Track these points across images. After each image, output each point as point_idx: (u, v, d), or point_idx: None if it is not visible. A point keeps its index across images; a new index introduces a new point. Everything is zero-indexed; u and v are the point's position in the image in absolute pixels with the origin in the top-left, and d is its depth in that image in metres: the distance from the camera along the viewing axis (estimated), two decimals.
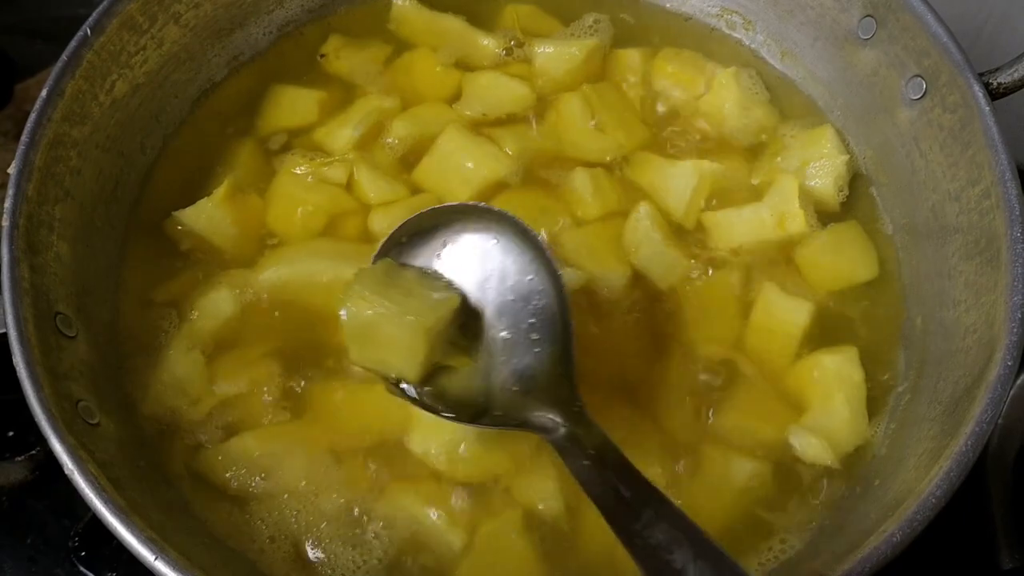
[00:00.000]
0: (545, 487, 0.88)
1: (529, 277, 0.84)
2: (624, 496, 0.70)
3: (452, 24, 1.16)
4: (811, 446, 0.89)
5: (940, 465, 0.75)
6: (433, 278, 0.86)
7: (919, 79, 0.97)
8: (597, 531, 0.85)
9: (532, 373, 0.83)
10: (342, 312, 0.80)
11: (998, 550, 1.02)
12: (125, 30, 0.97)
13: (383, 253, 0.87)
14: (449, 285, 0.86)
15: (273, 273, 0.97)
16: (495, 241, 0.86)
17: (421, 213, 0.86)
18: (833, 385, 0.93)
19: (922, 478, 0.76)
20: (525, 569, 0.85)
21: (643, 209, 1.02)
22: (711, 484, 0.89)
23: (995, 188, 0.87)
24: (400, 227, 0.87)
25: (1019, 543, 1.02)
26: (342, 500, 0.87)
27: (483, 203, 0.88)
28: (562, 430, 0.77)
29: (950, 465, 0.74)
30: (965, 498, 0.77)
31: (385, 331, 0.80)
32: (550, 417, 0.79)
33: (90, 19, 0.93)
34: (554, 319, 0.83)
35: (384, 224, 1.00)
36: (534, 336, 0.84)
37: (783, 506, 0.89)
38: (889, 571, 0.72)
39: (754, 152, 1.09)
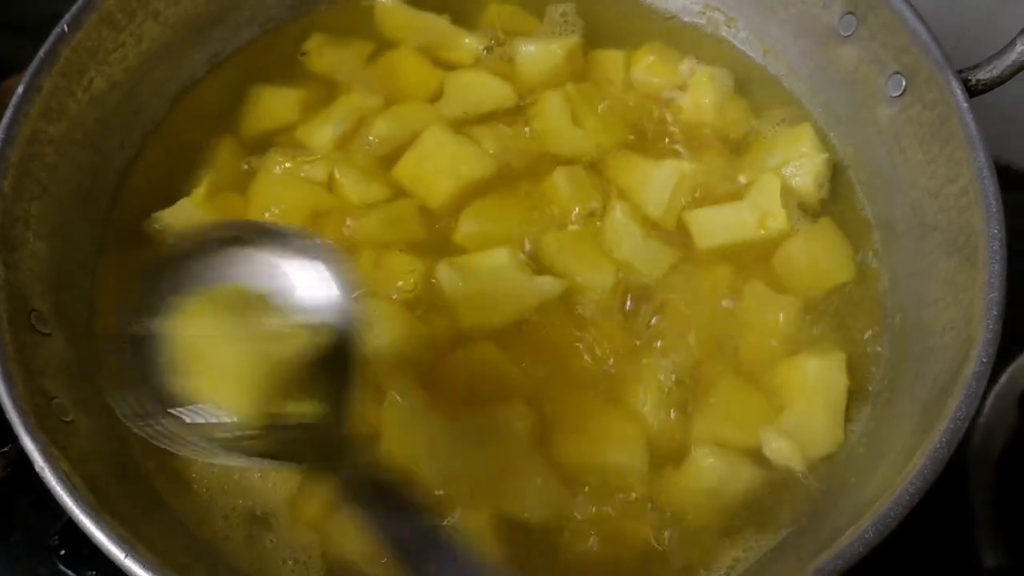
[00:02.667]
0: (530, 495, 0.87)
1: (313, 299, 0.76)
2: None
3: (435, 22, 1.16)
4: (781, 449, 0.89)
5: (915, 462, 0.75)
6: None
7: (899, 76, 0.97)
8: (580, 547, 0.86)
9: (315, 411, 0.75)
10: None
11: (980, 548, 1.01)
12: (103, 26, 0.96)
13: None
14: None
15: None
16: (277, 263, 0.77)
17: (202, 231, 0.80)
18: (815, 390, 0.92)
19: (895, 476, 0.76)
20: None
21: (619, 208, 1.02)
22: (690, 481, 0.89)
23: (973, 185, 0.87)
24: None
25: (1001, 541, 1.02)
26: (314, 494, 0.86)
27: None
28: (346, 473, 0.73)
29: (924, 462, 0.74)
30: (947, 496, 0.77)
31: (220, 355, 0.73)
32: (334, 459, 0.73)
33: (68, 15, 0.93)
34: (339, 351, 0.75)
35: (362, 226, 1.00)
36: (319, 368, 0.75)
37: (761, 505, 0.88)
38: (871, 569, 0.73)
39: (734, 150, 1.08)
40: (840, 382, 0.93)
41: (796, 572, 0.71)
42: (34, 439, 0.73)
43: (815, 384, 0.93)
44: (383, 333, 0.93)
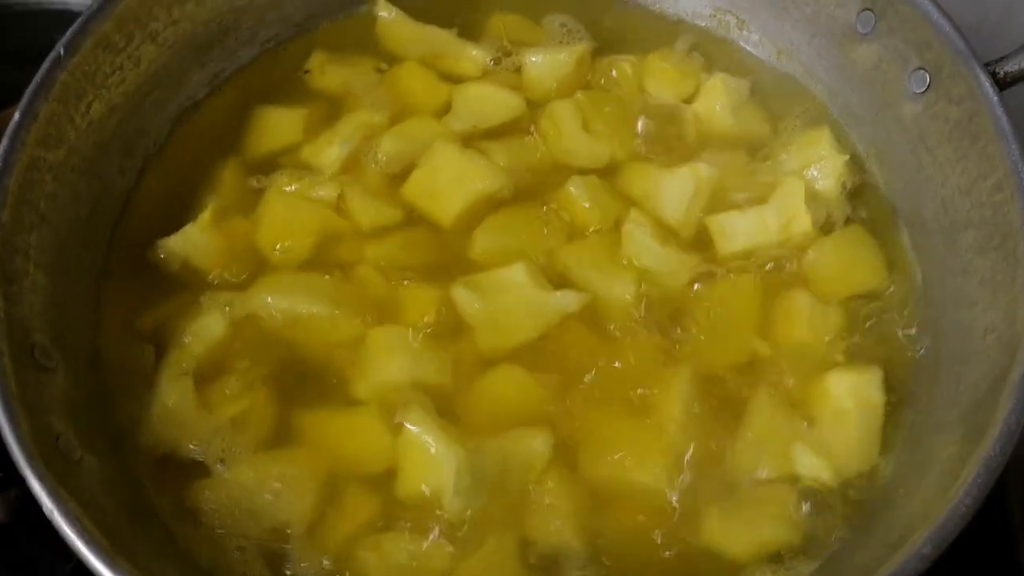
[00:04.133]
0: (556, 520, 0.84)
1: None
2: None
3: (439, 36, 1.13)
4: (813, 466, 0.86)
5: (968, 471, 0.71)
6: None
7: (922, 72, 0.95)
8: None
9: None
10: None
11: (1019, 547, 0.98)
12: (100, 50, 0.93)
13: None
14: None
15: (261, 303, 0.93)
16: None
17: None
18: (850, 407, 0.89)
19: (949, 486, 0.73)
20: None
21: (636, 216, 0.99)
22: (727, 502, 0.86)
23: (1008, 180, 0.84)
24: None
25: None
26: (337, 530, 0.83)
27: None
28: None
29: (978, 471, 0.71)
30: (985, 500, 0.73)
31: None
32: None
33: (63, 39, 0.90)
34: None
35: (375, 253, 0.97)
36: None
37: (802, 523, 0.85)
38: None
39: (752, 155, 1.06)
40: (876, 398, 0.89)
41: None
42: (41, 480, 0.70)
43: (850, 401, 0.89)
44: (400, 364, 0.90)
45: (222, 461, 0.85)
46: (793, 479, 0.87)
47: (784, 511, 0.85)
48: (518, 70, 1.11)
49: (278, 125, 1.07)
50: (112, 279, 0.96)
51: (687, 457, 0.87)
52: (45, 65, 0.89)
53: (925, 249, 0.97)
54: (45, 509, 0.69)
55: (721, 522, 0.85)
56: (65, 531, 0.68)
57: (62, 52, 0.90)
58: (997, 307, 0.83)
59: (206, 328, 0.92)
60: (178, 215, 0.98)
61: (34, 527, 0.80)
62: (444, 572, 0.81)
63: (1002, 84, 0.89)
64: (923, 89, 0.95)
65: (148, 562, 0.71)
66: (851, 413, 0.89)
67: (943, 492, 0.73)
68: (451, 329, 0.93)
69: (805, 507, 0.86)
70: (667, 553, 0.84)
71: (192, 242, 0.96)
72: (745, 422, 0.89)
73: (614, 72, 1.12)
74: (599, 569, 0.83)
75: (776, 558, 0.84)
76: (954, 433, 0.80)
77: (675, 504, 0.86)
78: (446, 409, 0.88)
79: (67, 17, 0.92)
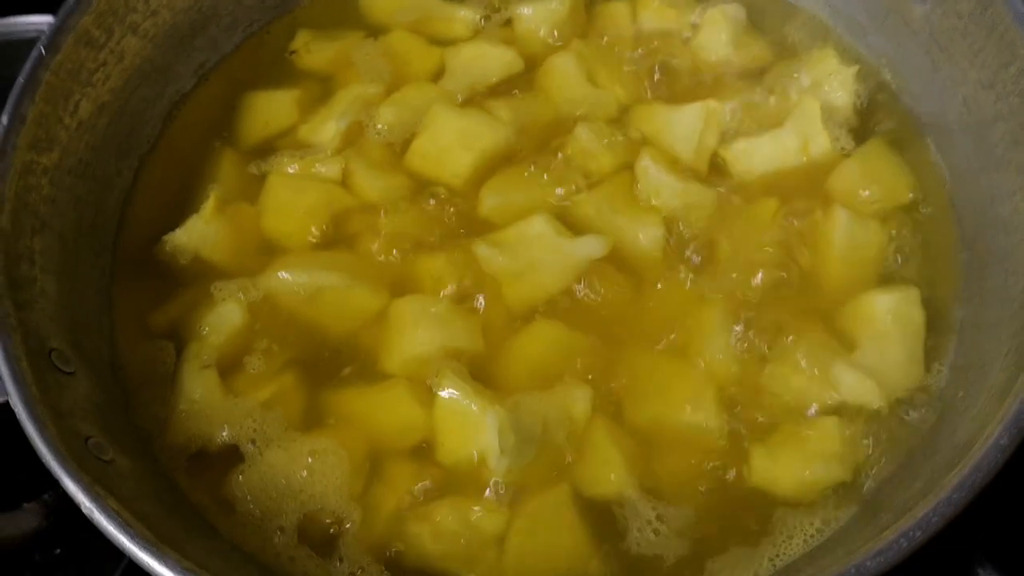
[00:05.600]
0: (607, 474, 0.81)
1: None
2: None
3: (423, 1, 1.11)
4: (857, 387, 0.83)
5: None
6: None
7: None
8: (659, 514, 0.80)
9: None
10: None
11: None
12: (81, 46, 0.91)
13: None
14: None
15: (278, 282, 0.91)
16: None
17: None
18: (890, 327, 0.86)
19: (1015, 379, 0.70)
20: (574, 548, 0.79)
21: (647, 155, 0.97)
22: (773, 438, 0.83)
23: None
24: None
25: None
26: (383, 505, 0.81)
27: None
28: None
29: None
30: None
31: None
32: None
33: (43, 37, 0.87)
34: None
35: (393, 224, 0.94)
36: None
37: (852, 456, 0.82)
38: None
39: (760, 82, 1.03)
40: (916, 316, 0.86)
41: (934, 485, 0.65)
42: (76, 480, 0.67)
43: (890, 321, 0.86)
44: (428, 333, 0.87)
45: (253, 442, 0.83)
46: (840, 408, 0.84)
47: (833, 445, 0.82)
48: (510, 24, 1.09)
49: (271, 109, 1.04)
50: (122, 280, 0.93)
51: (730, 394, 0.85)
52: (28, 65, 0.86)
53: (952, 152, 0.94)
54: (84, 509, 0.66)
55: (767, 461, 0.82)
56: (108, 528, 0.66)
57: (43, 51, 0.87)
58: None
59: (223, 317, 0.89)
60: (181, 210, 0.96)
61: (72, 553, 0.78)
62: (499, 533, 0.79)
63: None
64: None
65: (194, 551, 0.68)
66: (893, 334, 0.86)
67: (1008, 388, 0.70)
68: (476, 292, 0.90)
69: (853, 437, 0.83)
70: (719, 494, 0.82)
71: (199, 234, 0.93)
72: (785, 353, 0.86)
73: (609, 16, 1.09)
74: (655, 514, 0.80)
75: (829, 494, 0.81)
76: (1012, 327, 0.77)
77: (723, 444, 0.83)
78: (480, 373, 0.86)
79: None
